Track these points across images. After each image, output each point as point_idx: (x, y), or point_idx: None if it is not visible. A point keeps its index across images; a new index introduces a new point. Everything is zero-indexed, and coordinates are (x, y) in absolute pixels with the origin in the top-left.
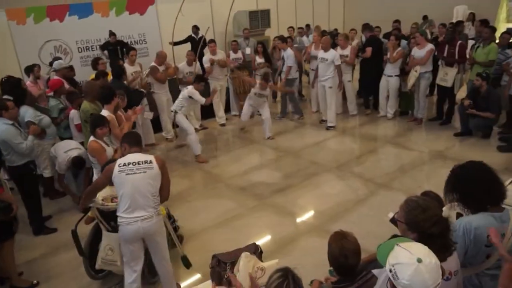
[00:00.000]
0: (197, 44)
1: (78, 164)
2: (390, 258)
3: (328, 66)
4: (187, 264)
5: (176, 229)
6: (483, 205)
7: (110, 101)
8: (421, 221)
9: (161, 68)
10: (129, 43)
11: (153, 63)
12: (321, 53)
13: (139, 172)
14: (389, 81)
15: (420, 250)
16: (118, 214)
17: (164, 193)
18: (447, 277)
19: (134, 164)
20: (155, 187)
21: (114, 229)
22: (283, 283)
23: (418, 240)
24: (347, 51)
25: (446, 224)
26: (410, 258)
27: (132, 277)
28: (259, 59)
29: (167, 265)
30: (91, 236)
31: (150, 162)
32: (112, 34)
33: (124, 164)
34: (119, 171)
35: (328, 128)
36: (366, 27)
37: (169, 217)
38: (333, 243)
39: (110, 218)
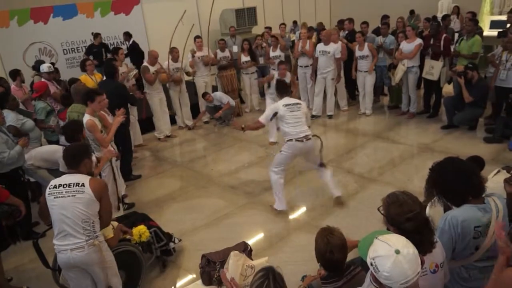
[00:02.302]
0: (128, 50)
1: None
2: (370, 251)
3: (330, 59)
4: None
5: (170, 252)
6: (464, 198)
7: (85, 104)
8: (396, 215)
9: (152, 69)
10: (115, 44)
11: (145, 63)
12: (321, 46)
13: (67, 195)
14: (365, 77)
15: (398, 241)
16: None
17: (103, 219)
18: (434, 269)
19: (64, 186)
20: (86, 213)
21: None
22: (263, 283)
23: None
24: (338, 47)
25: (423, 222)
26: (389, 250)
27: None
28: (245, 57)
29: None
30: None
31: (82, 185)
32: (96, 35)
33: (55, 186)
34: (48, 193)
35: (329, 117)
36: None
37: (160, 238)
38: (319, 239)
39: None
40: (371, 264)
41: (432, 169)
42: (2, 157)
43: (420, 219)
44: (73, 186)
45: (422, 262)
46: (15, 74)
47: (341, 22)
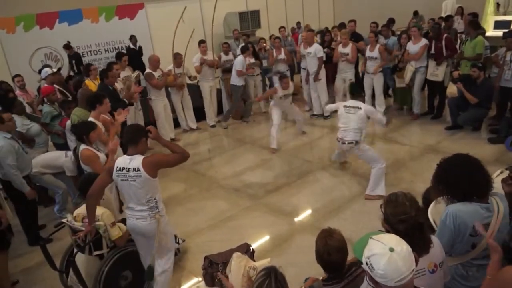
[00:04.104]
0: (137, 54)
1: None
2: (365, 251)
3: (312, 59)
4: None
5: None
6: (469, 196)
7: (94, 107)
8: (390, 215)
9: (156, 74)
10: (119, 48)
11: (147, 70)
12: (307, 48)
13: (130, 180)
14: (373, 79)
15: (392, 239)
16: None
17: (180, 161)
18: (432, 269)
19: (127, 170)
20: (148, 193)
21: (81, 248)
22: (265, 282)
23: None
24: (348, 49)
25: (415, 226)
26: (383, 248)
27: (144, 261)
28: (249, 60)
29: (160, 265)
30: (67, 250)
31: (138, 170)
32: (68, 47)
33: (119, 169)
34: (117, 175)
35: (325, 117)
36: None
37: None
38: (318, 241)
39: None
40: (366, 264)
41: (438, 164)
42: (10, 171)
43: (412, 223)
44: (132, 171)
45: (417, 260)
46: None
47: (342, 25)
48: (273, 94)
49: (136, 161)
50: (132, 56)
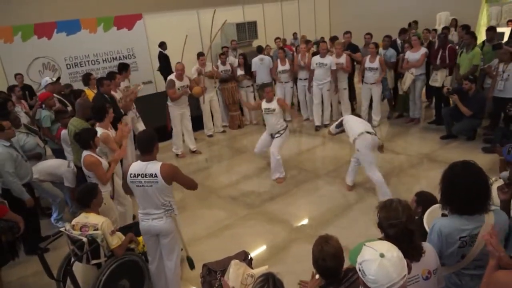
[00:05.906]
0: (168, 59)
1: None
2: (358, 257)
3: (326, 71)
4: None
5: None
6: (463, 208)
7: (103, 118)
8: (383, 218)
9: (179, 83)
10: (118, 58)
11: (171, 76)
12: (318, 59)
13: (147, 185)
14: (371, 89)
15: (383, 246)
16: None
17: (188, 188)
18: (426, 276)
19: (142, 176)
20: (164, 197)
21: (79, 257)
22: (263, 287)
23: (384, 237)
24: (342, 59)
25: (405, 232)
26: (374, 254)
27: (152, 264)
28: (240, 71)
29: (171, 266)
30: (65, 259)
31: (155, 175)
32: (16, 75)
33: (134, 175)
34: (131, 181)
35: (326, 126)
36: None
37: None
38: (315, 247)
39: (77, 246)
40: (359, 270)
41: (449, 168)
42: (9, 179)
43: (402, 229)
44: (148, 177)
45: (409, 267)
46: (11, 90)
47: (334, 38)
48: (255, 108)
49: (154, 166)
50: (164, 61)
